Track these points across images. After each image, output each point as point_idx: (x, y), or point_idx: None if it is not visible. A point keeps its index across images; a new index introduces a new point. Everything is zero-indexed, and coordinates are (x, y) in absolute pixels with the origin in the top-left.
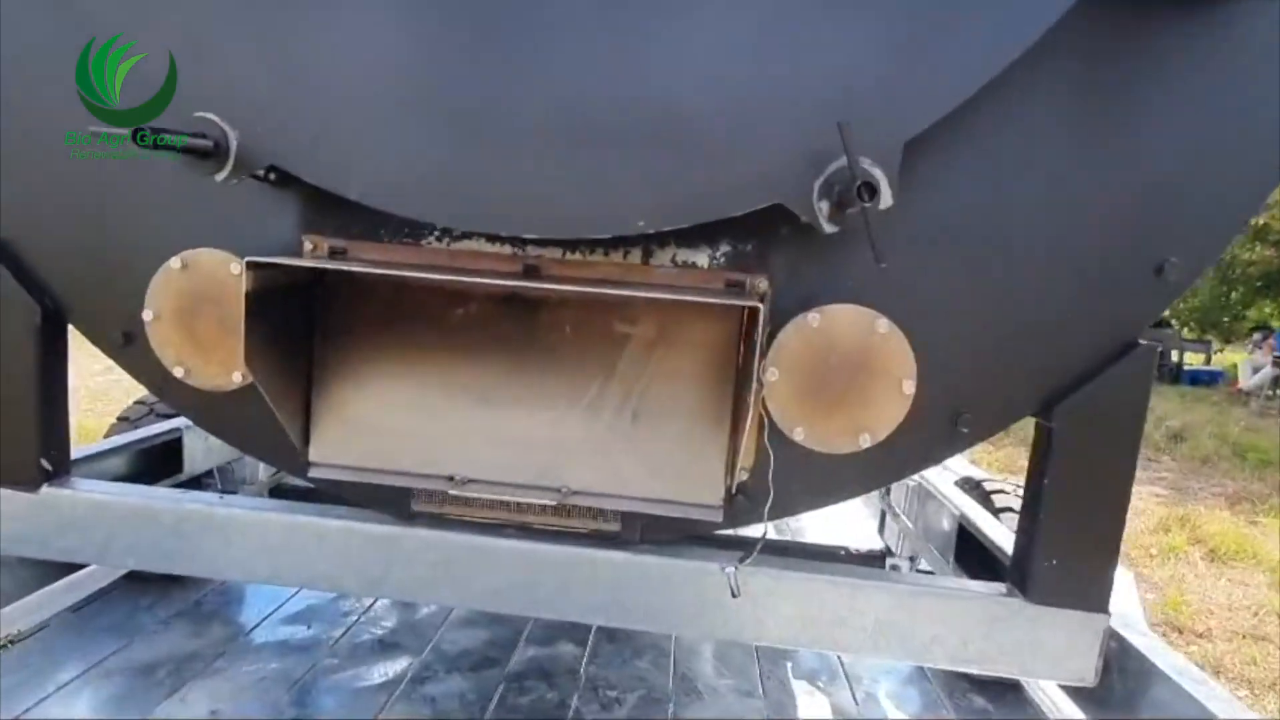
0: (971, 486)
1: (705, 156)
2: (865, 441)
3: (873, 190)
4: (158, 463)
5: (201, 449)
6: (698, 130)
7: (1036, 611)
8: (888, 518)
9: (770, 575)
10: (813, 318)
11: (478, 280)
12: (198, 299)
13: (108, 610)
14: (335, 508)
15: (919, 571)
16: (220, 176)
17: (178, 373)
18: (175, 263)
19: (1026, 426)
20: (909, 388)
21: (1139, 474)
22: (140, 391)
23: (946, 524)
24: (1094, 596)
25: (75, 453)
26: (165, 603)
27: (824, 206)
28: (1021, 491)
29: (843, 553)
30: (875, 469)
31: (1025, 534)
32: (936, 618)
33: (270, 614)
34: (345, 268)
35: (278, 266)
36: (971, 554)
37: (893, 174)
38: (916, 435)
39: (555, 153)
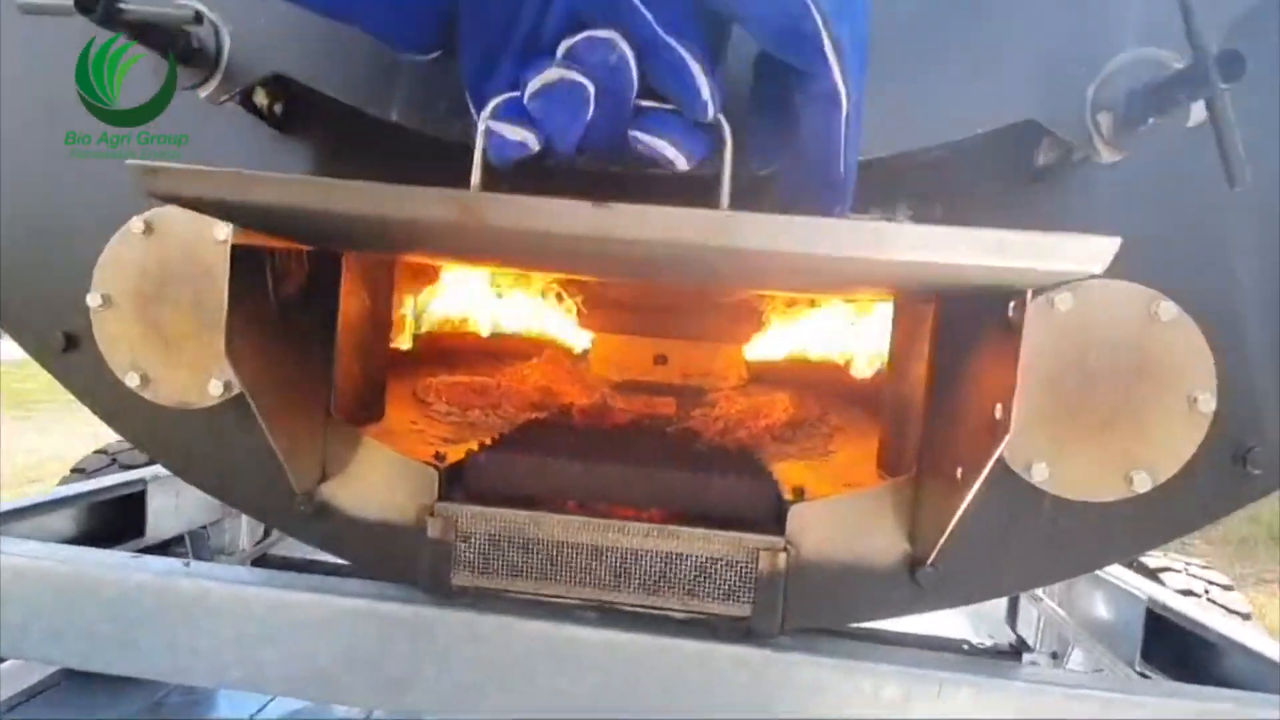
0: (1130, 564)
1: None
2: (1141, 484)
3: (1236, 65)
4: (113, 524)
5: (170, 507)
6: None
7: None
8: (1023, 602)
9: (992, 687)
10: (1061, 298)
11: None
12: (165, 277)
13: (40, 715)
14: (339, 580)
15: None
16: (205, 92)
17: (131, 381)
18: (136, 225)
19: None
20: (1207, 404)
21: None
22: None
23: (1122, 610)
24: None
25: None
26: (117, 703)
27: (1105, 121)
28: (1199, 572)
29: (965, 646)
30: (1144, 527)
31: None
32: None
33: None
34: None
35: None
36: (1166, 649)
37: None
38: (1197, 478)
39: None
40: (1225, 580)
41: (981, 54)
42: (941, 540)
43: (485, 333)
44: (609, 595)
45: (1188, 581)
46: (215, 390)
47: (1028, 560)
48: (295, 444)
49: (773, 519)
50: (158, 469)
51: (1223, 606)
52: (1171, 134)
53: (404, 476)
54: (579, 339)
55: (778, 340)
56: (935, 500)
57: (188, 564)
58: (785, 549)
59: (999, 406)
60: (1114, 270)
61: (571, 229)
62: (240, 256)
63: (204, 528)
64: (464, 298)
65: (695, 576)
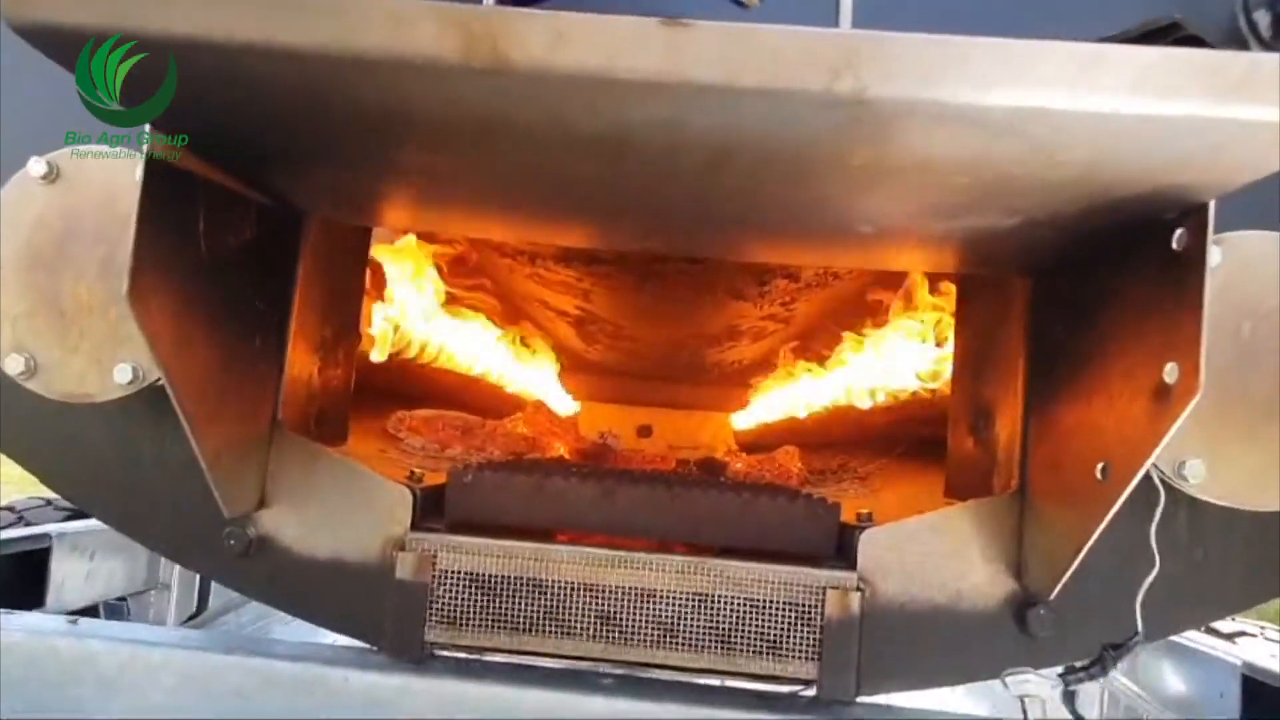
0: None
1: None
2: None
3: None
4: (9, 589)
5: (80, 571)
6: None
7: None
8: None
9: None
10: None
11: None
12: (69, 234)
13: None
14: (274, 641)
15: None
16: None
17: (12, 366)
18: (36, 167)
19: None
20: None
21: None
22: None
23: (1210, 680)
24: None
25: None
26: None
27: (1263, 20)
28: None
29: None
30: None
31: None
32: None
33: None
34: None
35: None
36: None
37: None
38: None
39: None
40: None
41: None
42: (1071, 567)
43: (462, 371)
44: (634, 654)
45: (1267, 646)
46: (122, 378)
47: (1173, 596)
48: (228, 453)
49: (834, 548)
50: (68, 525)
51: None
52: None
53: (369, 500)
54: (561, 403)
55: (774, 403)
56: (1054, 519)
57: (75, 621)
58: (859, 587)
59: (1172, 366)
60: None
61: (629, 66)
62: (159, 175)
63: (122, 599)
64: (442, 329)
65: (743, 625)
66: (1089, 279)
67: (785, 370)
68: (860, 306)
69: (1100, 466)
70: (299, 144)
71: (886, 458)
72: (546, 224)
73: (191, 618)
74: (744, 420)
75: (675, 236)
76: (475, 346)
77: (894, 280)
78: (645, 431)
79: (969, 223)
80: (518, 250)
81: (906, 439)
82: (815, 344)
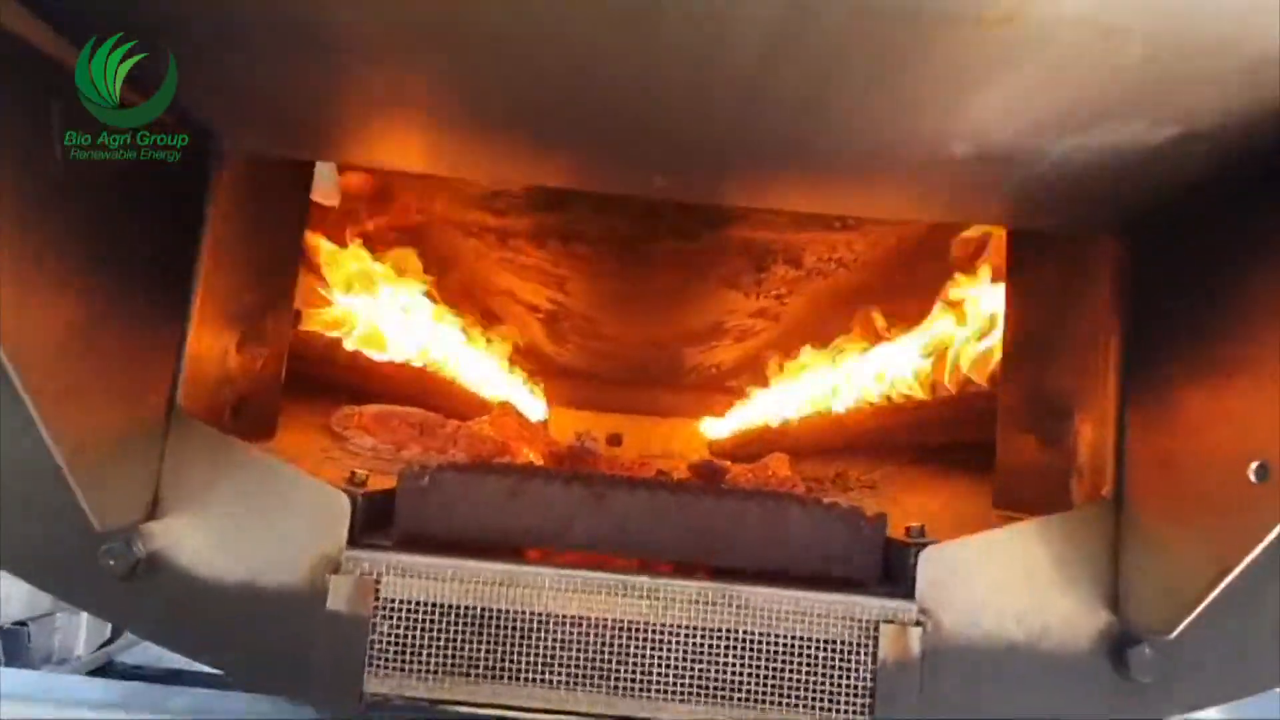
0: None
1: None
2: None
3: None
4: None
5: None
6: None
7: None
8: None
9: None
10: None
11: None
12: None
13: None
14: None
15: None
16: None
17: None
18: None
19: None
20: None
21: None
22: None
23: None
24: None
25: None
26: None
27: None
28: None
29: None
30: None
31: None
32: None
33: None
34: None
35: None
36: None
37: None
38: None
39: None
40: None
41: None
42: (1207, 599)
43: (421, 367)
44: (632, 706)
45: None
46: None
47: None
48: (96, 448)
49: (880, 572)
50: None
51: None
52: None
53: (297, 508)
54: (528, 407)
55: (756, 408)
56: (1172, 534)
57: None
58: (919, 621)
59: None
60: None
61: None
62: None
63: (22, 623)
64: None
65: (774, 669)
66: (1218, 232)
67: (773, 371)
68: (866, 296)
69: (1255, 466)
70: (209, 41)
71: (891, 464)
72: (516, 159)
73: (106, 644)
74: (722, 427)
75: (699, 169)
76: (438, 345)
77: (905, 267)
78: (615, 440)
79: (1102, 138)
80: (484, 227)
81: (917, 444)
82: (804, 345)
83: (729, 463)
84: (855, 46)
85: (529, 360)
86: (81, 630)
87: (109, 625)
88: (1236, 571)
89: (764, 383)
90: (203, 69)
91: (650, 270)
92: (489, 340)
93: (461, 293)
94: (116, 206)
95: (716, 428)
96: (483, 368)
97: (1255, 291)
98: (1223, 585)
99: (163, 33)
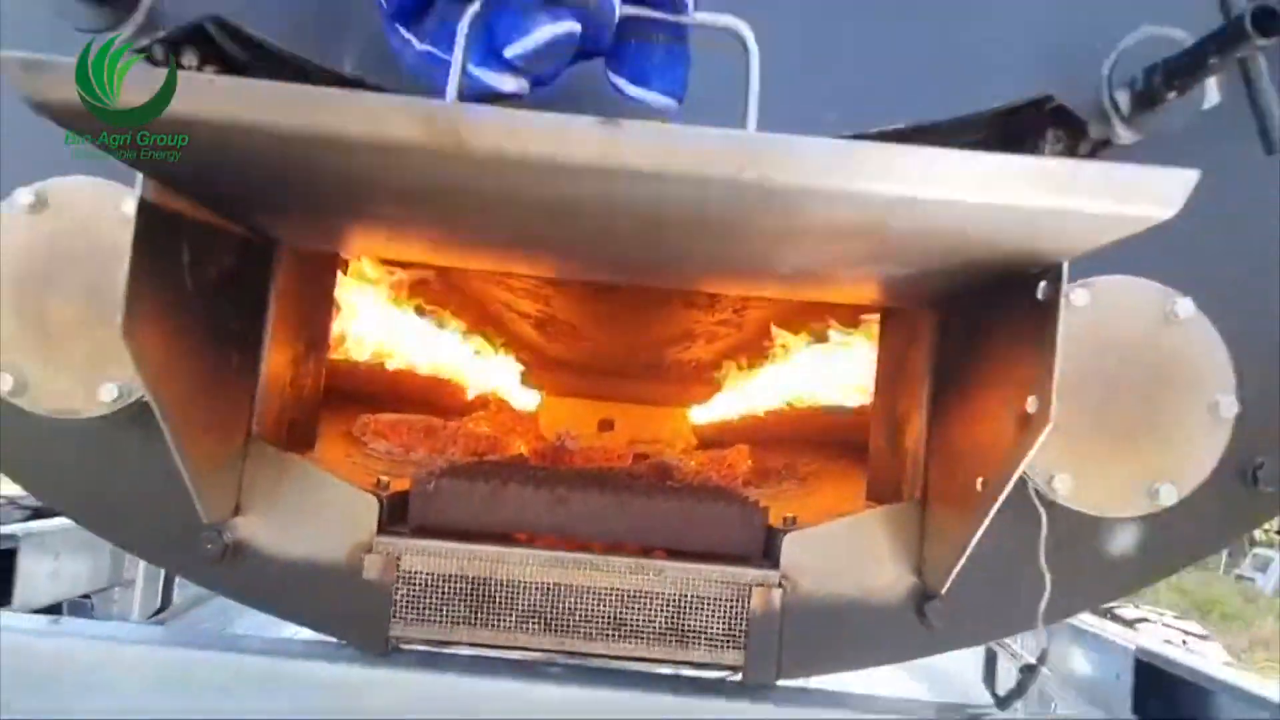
0: (1102, 615)
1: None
2: (1167, 497)
3: (1273, 21)
4: None
5: (46, 570)
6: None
7: None
8: (1001, 660)
9: None
10: (1078, 294)
11: None
12: (55, 259)
13: None
14: (243, 637)
15: None
16: (124, 35)
17: (2, 386)
18: (24, 197)
19: None
20: (1229, 408)
21: None
22: None
23: (1108, 663)
24: None
25: None
26: None
27: (1123, 99)
28: (1174, 622)
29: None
30: (1166, 546)
31: None
32: None
33: None
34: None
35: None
36: (1159, 700)
37: None
38: (1211, 494)
39: None
40: (1200, 630)
41: (996, 29)
42: (957, 566)
43: (423, 373)
44: (584, 645)
45: (1164, 632)
46: (107, 395)
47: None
48: (207, 465)
49: (762, 550)
50: (32, 525)
51: (1202, 656)
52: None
53: (338, 506)
54: (524, 398)
55: (731, 401)
56: (946, 523)
57: (57, 620)
58: (780, 584)
59: (1033, 399)
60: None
61: (571, 155)
62: (151, 218)
63: (87, 596)
64: (400, 332)
65: (680, 619)
66: (977, 316)
67: (738, 370)
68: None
69: (980, 480)
70: (281, 194)
71: (825, 457)
72: (505, 259)
73: (156, 613)
74: (703, 415)
75: (622, 273)
76: (440, 347)
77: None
78: (607, 425)
79: (872, 270)
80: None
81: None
82: (766, 346)
83: (697, 452)
84: (696, 231)
85: (526, 355)
86: (136, 602)
87: (159, 597)
88: (969, 548)
89: (732, 379)
90: (281, 217)
91: (620, 293)
92: (489, 342)
93: (464, 303)
94: (217, 301)
95: (700, 415)
96: (483, 365)
97: (986, 362)
98: (964, 557)
99: (263, 204)
